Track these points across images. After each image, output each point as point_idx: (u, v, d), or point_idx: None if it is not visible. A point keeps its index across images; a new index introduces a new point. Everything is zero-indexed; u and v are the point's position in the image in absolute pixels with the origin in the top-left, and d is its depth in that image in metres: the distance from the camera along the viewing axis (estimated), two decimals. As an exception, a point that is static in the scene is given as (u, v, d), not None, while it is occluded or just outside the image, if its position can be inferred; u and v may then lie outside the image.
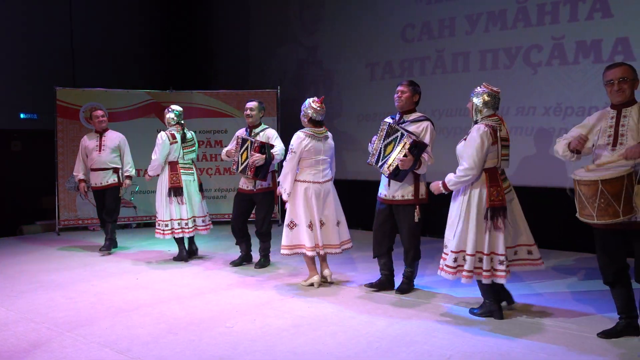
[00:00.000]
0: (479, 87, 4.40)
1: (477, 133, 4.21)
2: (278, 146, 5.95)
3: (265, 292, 5.25)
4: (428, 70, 8.25)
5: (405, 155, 4.68)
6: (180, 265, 6.42)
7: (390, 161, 4.77)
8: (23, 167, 9.33)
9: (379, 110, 8.45)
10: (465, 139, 4.33)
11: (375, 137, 5.04)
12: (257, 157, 5.79)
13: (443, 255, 4.44)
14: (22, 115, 9.54)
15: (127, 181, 7.11)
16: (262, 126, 6.15)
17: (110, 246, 7.07)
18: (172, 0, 11.59)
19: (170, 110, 6.56)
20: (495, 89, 4.37)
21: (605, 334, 3.90)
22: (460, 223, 4.28)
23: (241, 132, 6.17)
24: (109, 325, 4.35)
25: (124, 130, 7.52)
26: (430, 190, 4.59)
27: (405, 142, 4.69)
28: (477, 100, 4.33)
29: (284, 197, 5.30)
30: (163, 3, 11.54)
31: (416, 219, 4.92)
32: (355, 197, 7.66)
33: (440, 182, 4.40)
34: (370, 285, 5.20)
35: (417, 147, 4.70)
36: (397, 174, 4.78)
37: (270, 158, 5.85)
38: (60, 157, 8.57)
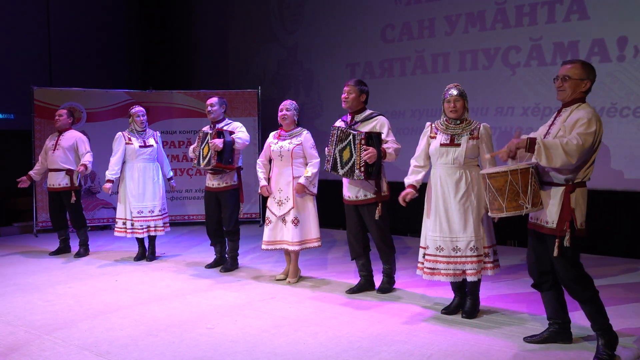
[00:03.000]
0: (455, 90, 4.39)
1: (490, 131, 4.36)
2: (239, 134, 5.91)
3: (246, 293, 5.24)
4: (408, 70, 8.29)
5: (366, 151, 4.70)
6: (160, 266, 6.38)
7: (357, 164, 4.75)
8: (-1, 168, 9.19)
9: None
10: (475, 138, 4.29)
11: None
12: (215, 141, 5.73)
13: (482, 257, 4.31)
14: (-2, 116, 9.41)
15: (81, 168, 6.71)
16: (226, 121, 6.12)
17: (85, 252, 6.95)
18: (151, -1, 11.52)
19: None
20: None
21: (531, 340, 3.87)
22: (485, 218, 4.31)
23: (206, 129, 6.15)
24: (87, 327, 4.31)
25: (102, 130, 7.44)
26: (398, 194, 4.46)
27: (360, 139, 4.72)
28: (466, 99, 4.38)
29: (315, 191, 5.47)
30: (142, 2, 11.45)
31: (376, 217, 4.92)
32: (336, 197, 7.67)
33: (497, 219, 4.22)
34: (351, 290, 5.19)
35: (372, 138, 4.74)
36: (370, 172, 4.77)
37: (230, 142, 5.79)
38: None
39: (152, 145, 6.52)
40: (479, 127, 4.33)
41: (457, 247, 4.31)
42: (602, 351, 3.51)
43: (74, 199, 6.82)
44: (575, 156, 3.37)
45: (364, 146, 4.70)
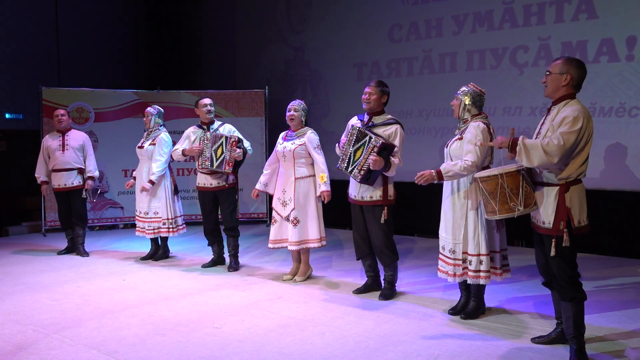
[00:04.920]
0: (465, 87, 4.40)
1: (478, 130, 4.17)
2: (246, 141, 6.04)
3: (253, 292, 5.24)
4: (415, 70, 8.28)
5: (374, 157, 4.64)
6: (168, 266, 6.39)
7: (360, 165, 4.73)
8: (8, 168, 9.24)
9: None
10: (459, 139, 4.26)
11: (343, 139, 5.00)
12: (239, 152, 5.83)
13: (455, 261, 4.29)
14: (7, 115, 9.46)
15: (90, 182, 6.90)
16: (217, 122, 6.17)
17: (84, 251, 6.99)
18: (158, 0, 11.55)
19: (157, 109, 6.64)
20: (482, 89, 4.39)
21: (538, 340, 3.86)
22: (472, 225, 4.23)
23: (193, 129, 6.18)
24: (95, 326, 4.33)
25: (110, 130, 7.45)
26: (416, 180, 4.27)
27: (374, 145, 4.64)
28: (466, 99, 4.32)
29: (329, 188, 5.41)
30: (149, 2, 11.49)
31: (382, 220, 4.87)
32: (343, 196, 7.68)
33: (434, 170, 4.19)
34: (358, 290, 5.18)
35: (386, 149, 4.68)
36: (368, 177, 4.75)
37: (245, 152, 5.95)
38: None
39: (143, 147, 6.53)
40: (468, 127, 4.27)
41: (442, 246, 4.38)
42: (575, 358, 3.51)
43: (85, 195, 6.93)
44: (556, 155, 3.35)
45: (374, 153, 4.64)
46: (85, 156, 6.98)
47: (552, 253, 3.46)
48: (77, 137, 6.97)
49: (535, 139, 3.62)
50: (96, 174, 7.00)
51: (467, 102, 4.32)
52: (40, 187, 7.09)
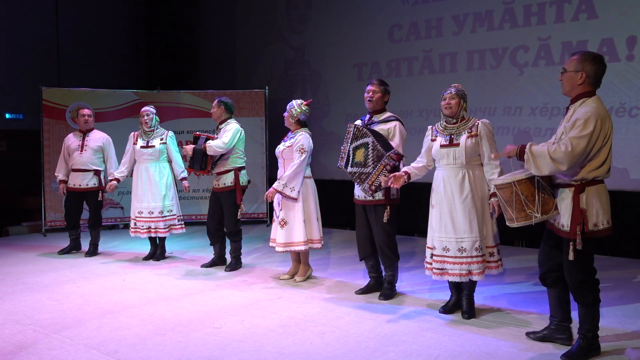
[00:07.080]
0: (453, 87, 4.41)
1: (490, 126, 4.32)
2: (219, 140, 5.88)
3: (253, 292, 5.24)
4: (415, 70, 8.28)
5: (385, 175, 4.58)
6: (168, 266, 6.39)
7: (371, 180, 4.67)
8: (8, 168, 9.25)
9: (366, 110, 8.46)
10: (472, 136, 4.26)
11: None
12: (186, 147, 5.95)
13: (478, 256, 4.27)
14: (7, 115, 9.46)
15: (114, 183, 6.62)
16: (227, 122, 6.12)
17: (94, 251, 6.99)
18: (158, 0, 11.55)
19: (154, 108, 6.68)
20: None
21: (533, 336, 3.88)
22: (489, 218, 4.31)
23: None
24: (95, 326, 4.32)
25: (110, 130, 7.39)
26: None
27: (387, 164, 4.59)
28: (464, 99, 4.37)
29: (294, 195, 5.31)
30: (150, 2, 11.49)
31: (385, 219, 4.84)
32: (344, 197, 7.67)
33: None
34: (360, 291, 5.17)
35: (398, 163, 4.70)
36: (378, 190, 4.74)
37: (200, 149, 5.84)
38: (46, 158, 8.50)
39: (153, 146, 6.49)
40: (477, 124, 4.30)
41: (462, 247, 4.28)
42: (573, 350, 3.52)
43: (101, 198, 6.93)
44: (563, 163, 3.25)
45: (386, 171, 4.59)
46: (105, 158, 6.92)
47: (571, 257, 3.37)
48: (96, 138, 6.91)
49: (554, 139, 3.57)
50: (119, 175, 6.69)
51: (464, 101, 4.38)
52: (59, 185, 7.05)
